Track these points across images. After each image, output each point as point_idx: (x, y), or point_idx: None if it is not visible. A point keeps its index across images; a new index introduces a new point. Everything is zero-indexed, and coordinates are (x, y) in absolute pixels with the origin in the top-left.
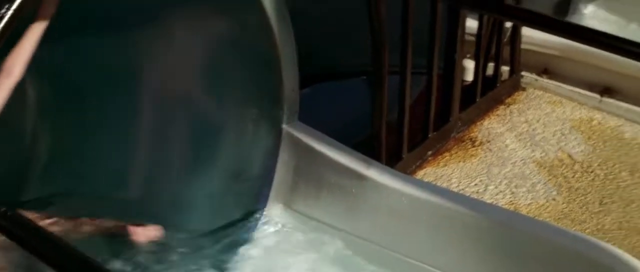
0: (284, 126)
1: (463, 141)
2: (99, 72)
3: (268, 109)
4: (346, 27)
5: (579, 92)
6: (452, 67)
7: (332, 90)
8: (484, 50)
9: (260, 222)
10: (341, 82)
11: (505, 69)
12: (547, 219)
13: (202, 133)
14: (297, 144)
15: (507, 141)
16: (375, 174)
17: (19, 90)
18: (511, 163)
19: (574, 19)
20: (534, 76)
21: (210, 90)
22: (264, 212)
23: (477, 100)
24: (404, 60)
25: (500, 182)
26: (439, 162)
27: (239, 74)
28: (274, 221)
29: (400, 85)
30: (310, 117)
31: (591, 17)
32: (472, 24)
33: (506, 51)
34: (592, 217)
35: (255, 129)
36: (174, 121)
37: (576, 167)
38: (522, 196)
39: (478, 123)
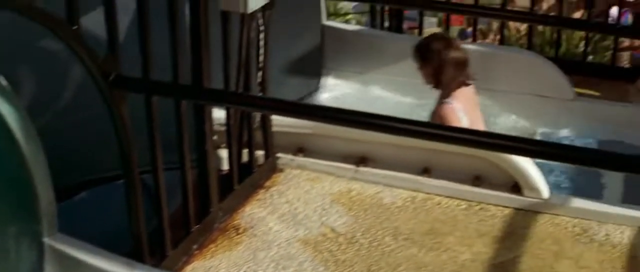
0: (45, 240)
1: (227, 230)
2: None
3: (26, 224)
4: (102, 133)
5: (336, 166)
6: (205, 159)
7: (97, 197)
8: (235, 138)
9: None
10: (106, 188)
11: (260, 153)
12: None
13: None
14: (61, 256)
15: (271, 224)
16: None
17: None
18: (276, 245)
19: (323, 97)
20: (290, 156)
21: None
22: None
23: (236, 187)
24: (154, 159)
25: (268, 265)
26: (205, 255)
27: None
28: None
29: (154, 184)
30: (76, 227)
31: (339, 91)
32: (221, 114)
33: (259, 135)
34: None
35: (17, 246)
36: None
37: (340, 239)
38: None
39: (240, 210)
